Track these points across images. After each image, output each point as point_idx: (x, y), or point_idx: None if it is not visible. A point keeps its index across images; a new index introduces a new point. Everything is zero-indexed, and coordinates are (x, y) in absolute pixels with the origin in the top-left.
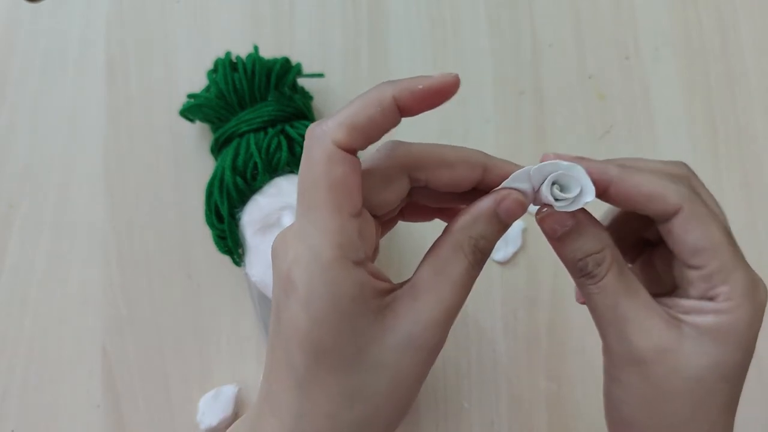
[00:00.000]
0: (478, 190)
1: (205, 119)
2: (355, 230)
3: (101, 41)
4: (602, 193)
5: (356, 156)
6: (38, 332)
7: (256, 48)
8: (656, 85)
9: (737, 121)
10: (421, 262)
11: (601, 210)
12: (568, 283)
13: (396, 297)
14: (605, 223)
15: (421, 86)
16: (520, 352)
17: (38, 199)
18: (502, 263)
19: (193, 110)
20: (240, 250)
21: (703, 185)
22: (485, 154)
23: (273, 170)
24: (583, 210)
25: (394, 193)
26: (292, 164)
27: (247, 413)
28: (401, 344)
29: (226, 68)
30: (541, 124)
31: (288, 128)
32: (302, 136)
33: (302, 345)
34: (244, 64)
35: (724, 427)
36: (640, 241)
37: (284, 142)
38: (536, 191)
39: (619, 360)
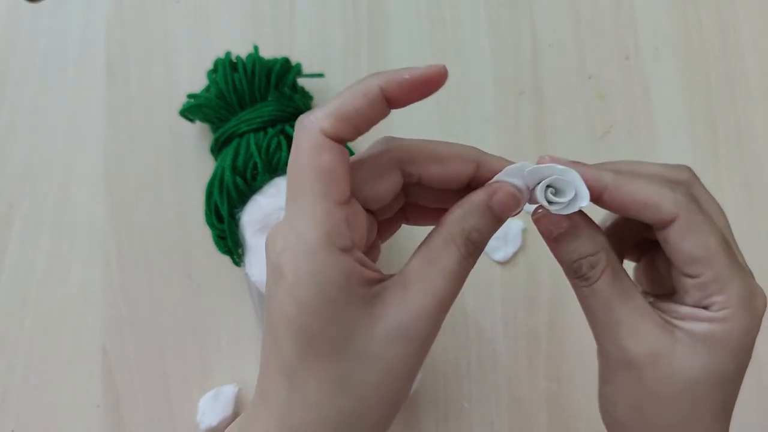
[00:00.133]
0: (474, 187)
1: (205, 119)
2: (342, 217)
3: (101, 41)
4: (597, 200)
5: (345, 146)
6: (38, 332)
7: (256, 48)
8: (656, 85)
9: (737, 121)
10: (413, 254)
11: (603, 210)
12: (568, 283)
13: (385, 287)
14: (608, 222)
15: (407, 76)
16: (520, 352)
17: (38, 199)
18: (502, 263)
19: (193, 110)
20: (240, 250)
21: (704, 190)
22: (479, 150)
23: (273, 170)
24: (579, 212)
25: (385, 187)
26: None
27: (245, 411)
28: (390, 334)
29: (226, 68)
30: (541, 124)
31: (288, 128)
32: None
33: (290, 331)
34: (244, 64)
35: None
36: (644, 241)
37: (284, 142)
38: (531, 191)
39: (612, 363)
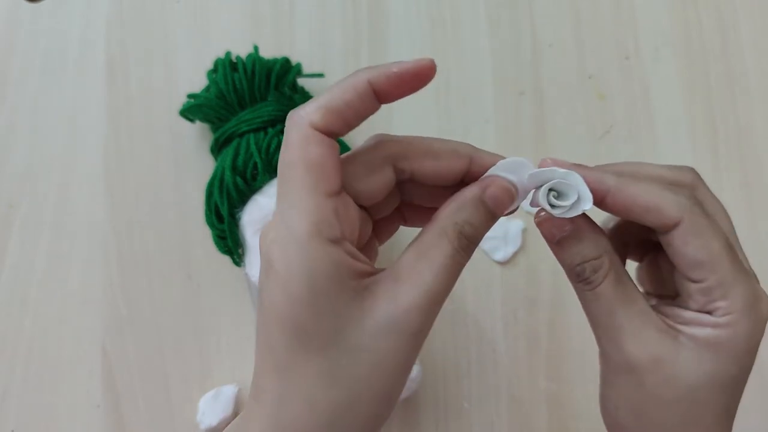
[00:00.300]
0: (467, 184)
1: (205, 119)
2: (332, 209)
3: (101, 41)
4: (599, 203)
5: (337, 140)
6: (38, 332)
7: (256, 48)
8: (656, 85)
9: (737, 121)
10: (406, 248)
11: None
12: (568, 283)
13: (377, 280)
14: (610, 223)
15: (395, 70)
16: (520, 352)
17: (38, 199)
18: (502, 263)
19: (193, 110)
20: (240, 250)
21: (709, 192)
22: (472, 146)
23: (273, 170)
24: (583, 215)
25: (376, 182)
26: None
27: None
28: (381, 327)
29: (226, 68)
30: (541, 124)
31: None
32: None
33: (280, 324)
34: (244, 64)
35: None
36: (647, 240)
37: None
38: (533, 194)
39: (614, 366)
